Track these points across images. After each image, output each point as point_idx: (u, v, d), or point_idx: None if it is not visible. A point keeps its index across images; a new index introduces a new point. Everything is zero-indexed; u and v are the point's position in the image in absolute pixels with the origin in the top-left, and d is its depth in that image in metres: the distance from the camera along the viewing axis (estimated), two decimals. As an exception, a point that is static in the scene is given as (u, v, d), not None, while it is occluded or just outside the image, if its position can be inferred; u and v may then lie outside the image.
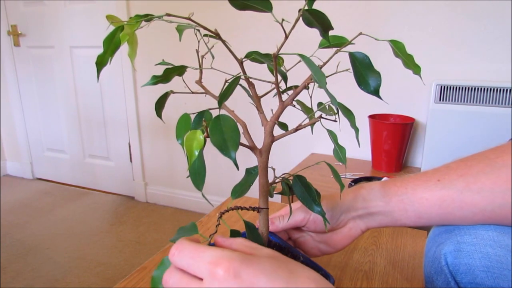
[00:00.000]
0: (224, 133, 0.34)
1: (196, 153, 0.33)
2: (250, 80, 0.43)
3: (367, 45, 1.51)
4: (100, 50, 0.34)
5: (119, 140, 2.31)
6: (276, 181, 0.47)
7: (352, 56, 0.37)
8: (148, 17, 0.34)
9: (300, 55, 0.34)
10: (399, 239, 0.73)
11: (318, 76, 0.32)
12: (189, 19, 0.35)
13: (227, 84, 0.39)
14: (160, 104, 0.44)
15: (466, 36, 1.41)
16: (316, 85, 0.37)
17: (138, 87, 2.15)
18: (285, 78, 0.48)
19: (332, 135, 0.41)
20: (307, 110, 0.47)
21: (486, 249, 0.40)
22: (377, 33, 1.51)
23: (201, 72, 0.46)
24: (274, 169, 0.50)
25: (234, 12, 1.77)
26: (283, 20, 0.34)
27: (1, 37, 2.46)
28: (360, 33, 0.37)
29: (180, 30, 0.38)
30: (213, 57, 0.45)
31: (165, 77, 0.41)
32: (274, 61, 0.37)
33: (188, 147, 0.33)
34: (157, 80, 0.41)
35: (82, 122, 2.40)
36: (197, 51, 0.44)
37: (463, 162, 0.43)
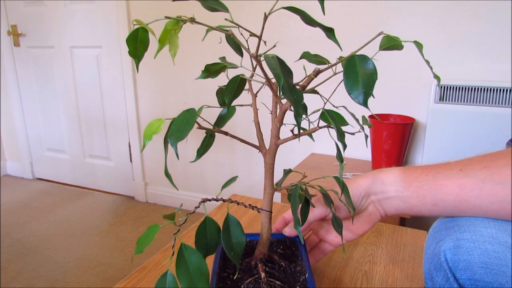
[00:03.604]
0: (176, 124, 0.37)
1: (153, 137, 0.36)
2: (251, 79, 0.43)
3: (367, 45, 1.50)
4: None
5: (119, 140, 2.31)
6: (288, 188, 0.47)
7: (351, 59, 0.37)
8: (182, 20, 0.36)
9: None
10: (399, 238, 0.73)
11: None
12: (193, 20, 0.36)
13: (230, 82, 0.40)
14: (230, 93, 0.45)
15: (466, 36, 1.41)
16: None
17: (138, 87, 2.15)
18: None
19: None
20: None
21: (485, 246, 0.40)
22: (376, 33, 1.51)
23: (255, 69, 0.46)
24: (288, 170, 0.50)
25: (233, 13, 1.77)
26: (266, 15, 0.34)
27: (1, 37, 2.46)
28: (381, 33, 0.37)
29: (208, 30, 0.40)
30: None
31: (214, 72, 0.45)
32: (257, 62, 0.37)
33: (147, 131, 0.36)
34: (207, 74, 0.44)
35: (82, 122, 2.40)
36: (248, 51, 0.42)
37: (487, 156, 0.44)
